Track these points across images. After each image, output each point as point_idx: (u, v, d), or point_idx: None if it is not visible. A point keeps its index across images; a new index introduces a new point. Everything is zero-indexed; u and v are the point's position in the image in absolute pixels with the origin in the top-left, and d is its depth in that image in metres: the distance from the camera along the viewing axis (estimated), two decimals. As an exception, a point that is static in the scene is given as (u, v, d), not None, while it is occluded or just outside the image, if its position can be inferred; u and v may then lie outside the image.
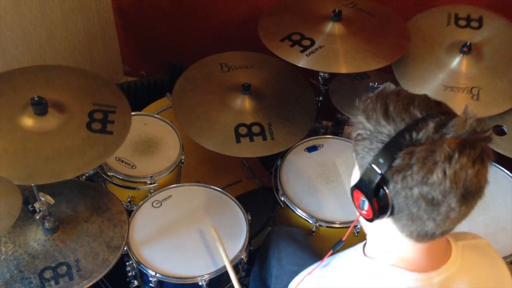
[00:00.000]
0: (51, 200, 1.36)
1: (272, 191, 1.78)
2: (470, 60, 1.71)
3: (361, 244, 0.93)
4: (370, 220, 0.82)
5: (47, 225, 1.43)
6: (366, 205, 0.80)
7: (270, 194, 1.80)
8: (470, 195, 0.76)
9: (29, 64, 1.97)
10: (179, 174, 1.90)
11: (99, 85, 1.57)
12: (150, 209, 1.64)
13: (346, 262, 0.94)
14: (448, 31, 1.80)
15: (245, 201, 1.66)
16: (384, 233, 0.86)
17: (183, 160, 1.83)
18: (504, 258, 1.49)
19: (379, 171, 0.76)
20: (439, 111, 0.78)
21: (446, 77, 1.70)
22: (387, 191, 0.77)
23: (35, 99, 1.38)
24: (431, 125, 0.75)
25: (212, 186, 1.72)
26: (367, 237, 0.92)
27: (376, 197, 0.78)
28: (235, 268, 1.55)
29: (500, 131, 1.73)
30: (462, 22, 1.82)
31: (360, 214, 0.84)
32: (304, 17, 1.82)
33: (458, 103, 1.63)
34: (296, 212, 1.65)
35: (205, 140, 1.69)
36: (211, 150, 1.68)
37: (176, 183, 1.76)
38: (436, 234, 0.79)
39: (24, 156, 1.33)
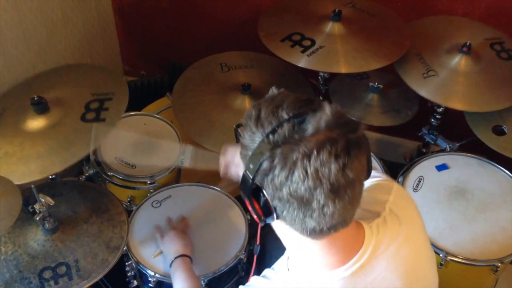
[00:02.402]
0: (51, 202, 1.36)
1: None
2: (465, 60, 1.71)
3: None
4: (261, 222, 0.84)
5: (47, 226, 1.43)
6: (255, 208, 0.83)
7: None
8: (340, 190, 0.76)
9: (29, 64, 1.97)
10: (179, 174, 1.90)
11: (103, 76, 1.59)
12: (150, 209, 1.64)
13: (276, 270, 0.97)
14: (476, 41, 1.77)
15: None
16: (287, 236, 0.89)
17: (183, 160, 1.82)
18: (504, 258, 1.49)
19: (250, 177, 0.79)
20: (309, 109, 0.78)
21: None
22: (263, 195, 0.79)
23: (35, 98, 1.38)
24: (288, 125, 0.76)
25: (212, 186, 1.72)
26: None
27: (257, 202, 0.81)
28: (235, 268, 1.55)
29: (500, 131, 1.73)
30: (497, 47, 1.79)
31: (253, 216, 0.86)
32: (304, 17, 1.82)
33: (409, 67, 1.71)
34: (296, 212, 1.64)
35: (205, 140, 1.69)
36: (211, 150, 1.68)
37: (176, 183, 1.76)
38: (324, 230, 0.80)
39: (20, 156, 1.33)
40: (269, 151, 0.76)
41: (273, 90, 0.89)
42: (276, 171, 0.76)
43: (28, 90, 1.57)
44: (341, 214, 0.79)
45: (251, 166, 0.79)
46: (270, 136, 0.77)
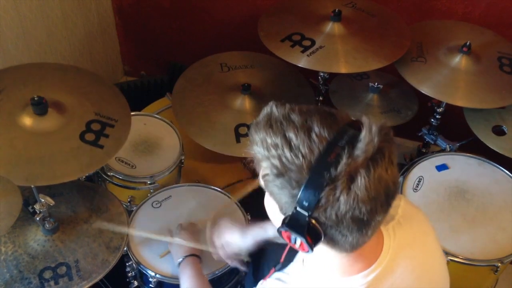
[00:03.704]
0: (51, 202, 1.36)
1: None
2: (465, 59, 1.71)
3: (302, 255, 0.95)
4: (307, 253, 0.80)
5: (47, 226, 1.43)
6: (299, 241, 0.78)
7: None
8: (390, 199, 0.77)
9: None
10: (179, 174, 1.90)
11: (109, 95, 1.52)
12: (150, 209, 1.64)
13: (290, 274, 0.95)
14: (479, 45, 1.77)
15: (245, 201, 1.66)
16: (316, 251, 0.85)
17: (183, 160, 1.82)
18: (504, 258, 1.49)
19: (306, 214, 0.74)
20: (341, 124, 0.76)
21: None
22: (318, 226, 0.76)
23: (35, 98, 1.37)
24: (344, 154, 0.72)
25: (212, 186, 1.72)
26: None
27: (309, 234, 0.76)
28: (235, 268, 1.55)
29: (500, 131, 1.73)
30: (505, 61, 1.76)
31: (293, 247, 0.82)
32: (304, 17, 1.82)
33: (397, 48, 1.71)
34: (296, 212, 1.64)
35: (205, 140, 1.69)
36: (211, 150, 1.68)
37: (176, 183, 1.76)
38: (366, 241, 0.80)
39: (9, 153, 1.29)
40: (329, 186, 0.72)
41: (273, 108, 0.80)
42: (340, 203, 0.73)
43: (30, 80, 1.49)
44: (376, 228, 0.79)
45: (306, 203, 0.73)
46: (324, 169, 0.72)
